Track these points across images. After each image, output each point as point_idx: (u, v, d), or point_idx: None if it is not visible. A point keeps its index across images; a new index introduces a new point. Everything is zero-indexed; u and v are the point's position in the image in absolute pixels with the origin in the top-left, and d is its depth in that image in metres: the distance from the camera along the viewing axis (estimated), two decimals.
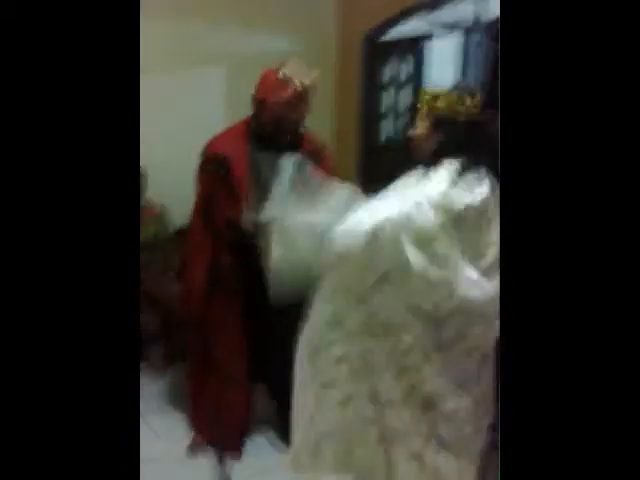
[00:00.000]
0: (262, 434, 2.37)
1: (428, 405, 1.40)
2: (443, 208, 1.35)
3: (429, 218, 1.34)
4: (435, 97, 1.53)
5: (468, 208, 1.36)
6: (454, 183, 1.39)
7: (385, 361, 1.39)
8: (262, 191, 1.96)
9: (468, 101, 1.50)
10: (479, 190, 1.38)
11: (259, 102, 1.96)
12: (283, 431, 2.31)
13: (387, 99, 3.97)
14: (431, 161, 1.50)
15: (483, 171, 1.40)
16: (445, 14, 3.55)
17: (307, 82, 1.93)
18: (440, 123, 1.52)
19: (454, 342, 1.39)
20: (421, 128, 1.56)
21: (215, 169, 2.02)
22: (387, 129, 4.03)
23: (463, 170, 1.41)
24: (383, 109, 3.99)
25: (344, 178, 3.60)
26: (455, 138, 1.50)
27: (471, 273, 1.36)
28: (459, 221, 1.36)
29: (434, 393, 1.39)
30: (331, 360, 1.44)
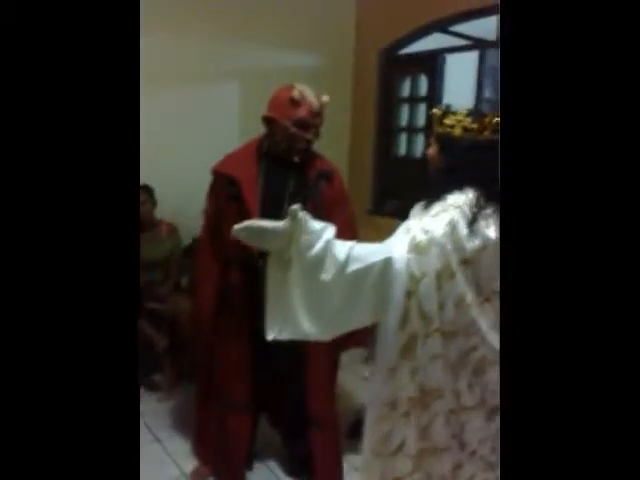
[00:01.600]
0: (264, 463, 2.32)
1: None
2: (450, 250, 1.30)
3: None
4: (443, 116, 1.45)
5: (473, 252, 1.29)
6: (461, 225, 1.31)
7: None
8: (270, 212, 1.95)
9: (477, 122, 1.41)
10: (486, 232, 1.30)
11: (271, 121, 1.92)
12: (285, 462, 2.27)
13: (403, 114, 3.94)
14: (442, 183, 1.43)
15: (493, 207, 1.31)
16: (463, 29, 3.51)
17: (323, 101, 1.89)
18: (447, 144, 1.44)
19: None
20: (433, 147, 1.49)
21: (225, 189, 1.98)
22: (403, 144, 3.99)
23: (473, 207, 1.33)
24: (399, 124, 3.96)
25: (358, 192, 3.64)
26: (463, 161, 1.40)
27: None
28: (465, 263, 1.30)
29: None
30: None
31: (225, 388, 2.08)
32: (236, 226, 1.34)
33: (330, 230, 1.35)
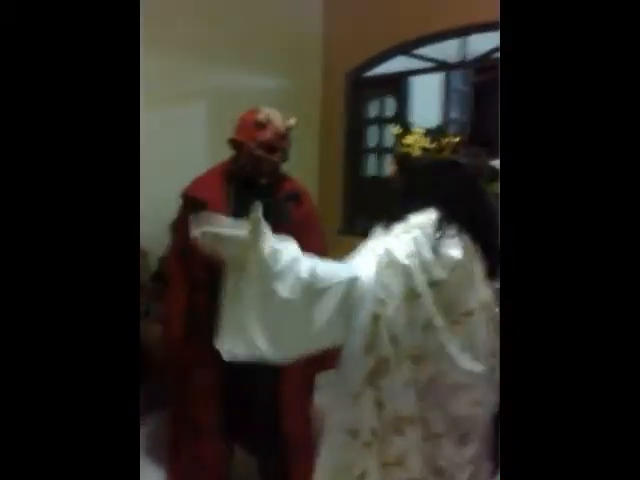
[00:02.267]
0: None
1: None
2: (416, 272, 1.26)
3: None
4: (402, 135, 1.43)
5: (439, 274, 1.25)
6: (425, 246, 1.27)
7: None
8: None
9: (436, 142, 1.40)
10: (451, 254, 1.26)
11: (238, 144, 1.93)
12: None
13: (372, 135, 3.98)
14: (401, 203, 1.41)
15: (455, 228, 1.30)
16: (429, 52, 3.59)
17: (289, 124, 1.90)
18: (404, 164, 1.43)
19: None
20: (391, 167, 1.48)
21: (194, 212, 1.96)
22: (371, 165, 4.03)
23: (436, 228, 1.29)
24: (367, 145, 4.00)
25: (328, 213, 3.65)
26: (420, 181, 1.39)
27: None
28: (432, 285, 1.26)
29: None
30: None
31: (195, 415, 2.04)
32: (194, 230, 1.29)
33: (295, 246, 1.31)
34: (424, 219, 1.33)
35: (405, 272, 1.25)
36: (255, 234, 1.26)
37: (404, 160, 1.44)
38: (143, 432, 2.71)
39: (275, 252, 1.26)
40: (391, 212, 1.41)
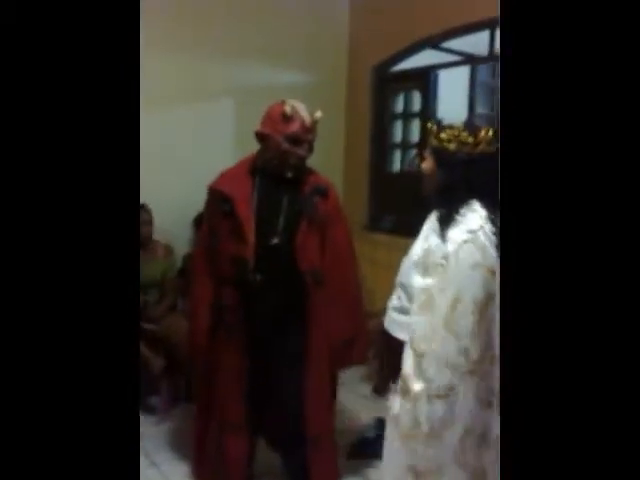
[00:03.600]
0: None
1: None
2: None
3: None
4: (439, 130, 1.44)
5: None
6: (490, 250, 1.32)
7: None
8: (265, 228, 1.94)
9: (473, 136, 1.40)
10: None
11: (264, 137, 1.92)
12: None
13: (397, 130, 3.95)
14: (442, 198, 1.42)
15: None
16: (456, 45, 3.53)
17: (315, 116, 1.89)
18: (443, 158, 1.43)
19: None
20: (427, 162, 1.48)
21: (219, 207, 1.96)
22: (397, 160, 3.99)
23: (492, 227, 1.33)
24: (393, 140, 3.96)
25: (353, 209, 3.63)
26: (462, 175, 1.40)
27: None
28: None
29: None
30: None
31: (221, 408, 2.04)
32: None
33: None
34: (476, 220, 1.35)
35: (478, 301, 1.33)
36: None
37: (443, 154, 1.43)
38: (169, 426, 2.74)
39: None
40: (429, 207, 1.43)
